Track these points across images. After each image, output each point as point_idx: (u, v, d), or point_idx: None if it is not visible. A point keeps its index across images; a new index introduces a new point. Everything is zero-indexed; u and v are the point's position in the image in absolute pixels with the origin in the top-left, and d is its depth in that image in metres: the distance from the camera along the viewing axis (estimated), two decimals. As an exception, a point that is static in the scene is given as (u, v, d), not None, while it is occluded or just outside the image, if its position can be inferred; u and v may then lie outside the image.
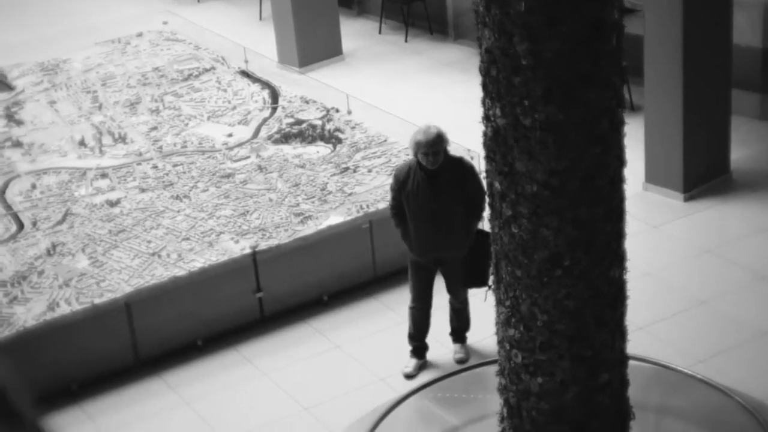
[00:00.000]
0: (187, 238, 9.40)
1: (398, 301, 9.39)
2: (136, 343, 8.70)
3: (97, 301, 8.60)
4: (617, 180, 5.85)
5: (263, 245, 9.20)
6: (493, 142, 5.78)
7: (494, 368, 6.52)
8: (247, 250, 9.13)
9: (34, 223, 9.87)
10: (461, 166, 7.95)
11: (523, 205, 5.71)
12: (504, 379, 6.14)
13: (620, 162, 5.83)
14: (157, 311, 8.76)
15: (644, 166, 10.91)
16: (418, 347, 8.42)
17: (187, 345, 8.90)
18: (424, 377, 8.20)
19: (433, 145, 7.73)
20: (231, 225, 9.57)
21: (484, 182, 6.06)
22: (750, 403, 6.95)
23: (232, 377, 8.62)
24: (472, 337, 8.62)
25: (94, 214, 9.96)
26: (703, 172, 10.84)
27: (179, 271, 8.91)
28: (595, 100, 5.55)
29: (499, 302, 6.04)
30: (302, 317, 9.28)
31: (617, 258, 5.92)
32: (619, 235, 5.91)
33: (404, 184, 7.89)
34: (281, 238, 9.30)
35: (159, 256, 9.15)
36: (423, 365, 8.37)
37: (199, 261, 9.04)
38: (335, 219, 9.55)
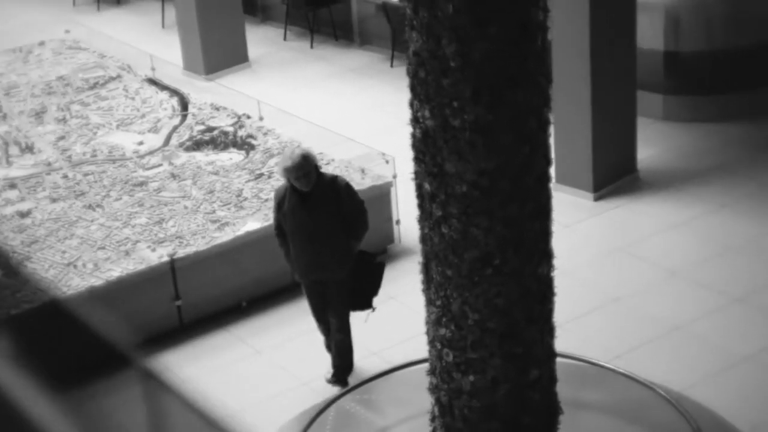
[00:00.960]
0: (103, 248, 9.29)
1: (318, 306, 9.40)
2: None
3: (14, 311, 8.44)
4: (544, 179, 5.95)
5: (181, 253, 9.14)
6: (422, 144, 5.83)
7: (420, 368, 6.58)
8: (165, 258, 9.06)
9: (-57, 235, 9.66)
10: (334, 186, 7.83)
11: (453, 206, 5.77)
12: (435, 378, 6.19)
13: (547, 161, 5.94)
14: (74, 321, 8.63)
15: (554, 166, 11.05)
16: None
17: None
18: (350, 381, 8.22)
19: (301, 168, 7.62)
20: (147, 233, 9.48)
21: (412, 185, 6.09)
22: (671, 395, 7.11)
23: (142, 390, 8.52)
24: (382, 344, 8.67)
25: (5, 226, 9.78)
26: (611, 172, 11.06)
27: (96, 281, 8.80)
28: (523, 101, 5.65)
29: (430, 302, 6.09)
30: (222, 324, 9.24)
31: (545, 256, 6.02)
32: (546, 233, 6.02)
33: (281, 206, 7.86)
34: (199, 245, 9.25)
35: (75, 266, 9.03)
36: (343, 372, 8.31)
37: (116, 270, 8.94)
38: (252, 225, 9.53)
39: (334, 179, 7.89)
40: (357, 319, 8.21)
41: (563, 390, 6.56)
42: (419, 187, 5.96)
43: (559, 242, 10.13)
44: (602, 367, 7.49)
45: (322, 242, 7.76)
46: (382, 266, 8.17)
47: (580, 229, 10.51)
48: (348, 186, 7.90)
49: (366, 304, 8.04)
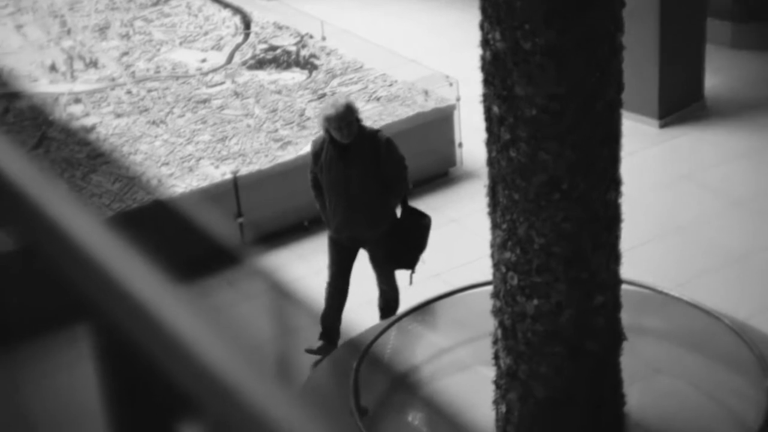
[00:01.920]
0: (167, 164, 9.35)
1: (378, 227, 9.44)
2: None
3: (124, 207, 8.56)
4: (615, 104, 5.88)
5: (244, 170, 9.18)
6: (492, 66, 5.78)
7: (482, 291, 6.60)
8: (228, 176, 9.10)
9: (10, 148, 9.75)
10: (375, 141, 7.42)
11: (521, 129, 5.73)
12: (499, 301, 6.20)
13: (618, 87, 5.87)
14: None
15: (619, 93, 10.95)
16: (328, 330, 7.76)
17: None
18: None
19: (344, 117, 7.23)
20: (210, 150, 9.52)
21: (476, 108, 6.04)
22: (735, 324, 7.08)
23: (218, 301, 8.62)
24: (443, 266, 8.68)
25: (71, 139, 9.86)
26: (677, 100, 10.92)
27: (160, 197, 8.87)
28: (595, 25, 5.56)
29: (495, 226, 6.08)
30: (283, 242, 9.29)
31: (614, 181, 5.98)
32: (615, 158, 5.97)
33: (318, 157, 7.49)
34: (261, 163, 9.28)
35: (139, 181, 9.10)
36: (328, 349, 7.69)
37: (180, 186, 9.01)
38: (315, 144, 9.52)
39: (375, 133, 7.53)
40: (401, 281, 7.87)
41: (626, 316, 6.55)
42: (488, 110, 5.91)
43: (622, 169, 10.13)
44: (666, 294, 7.45)
45: (357, 198, 7.38)
46: (429, 226, 7.73)
47: (645, 156, 10.41)
48: (389, 141, 7.48)
49: (410, 263, 7.68)
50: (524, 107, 5.69)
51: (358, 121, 7.37)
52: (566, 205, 5.79)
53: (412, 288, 8.41)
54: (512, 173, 5.85)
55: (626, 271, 8.05)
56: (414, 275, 7.68)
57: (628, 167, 10.06)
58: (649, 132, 10.75)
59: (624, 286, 6.62)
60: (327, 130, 7.34)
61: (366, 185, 7.37)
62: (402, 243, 7.60)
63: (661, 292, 7.46)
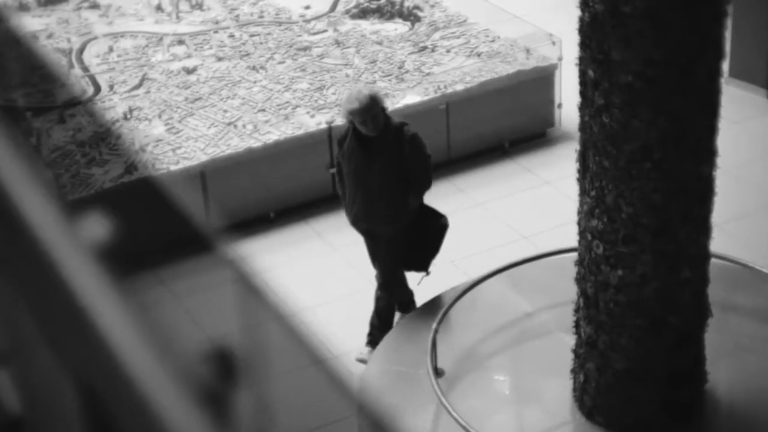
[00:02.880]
0: (263, 110, 9.37)
1: (471, 184, 9.35)
2: (210, 212, 8.73)
3: (173, 167, 8.63)
4: (715, 73, 5.71)
5: (339, 121, 9.14)
6: (590, 29, 5.64)
7: (569, 257, 6.49)
8: (323, 125, 9.08)
9: (111, 87, 9.87)
10: (400, 135, 7.05)
11: (616, 95, 5.59)
12: (583, 269, 6.09)
13: (719, 54, 5.69)
14: (231, 181, 8.78)
15: (728, 60, 10.65)
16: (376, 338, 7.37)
17: (259, 216, 8.93)
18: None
19: (369, 110, 6.89)
20: (307, 99, 9.51)
21: (577, 70, 5.90)
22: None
23: (303, 251, 8.65)
24: (534, 229, 8.57)
25: (171, 81, 9.93)
26: (789, 69, 10.57)
27: (255, 143, 8.90)
28: (698, -10, 5.38)
29: (584, 192, 5.96)
30: (374, 195, 9.25)
31: (708, 153, 5.81)
32: (712, 129, 5.80)
33: (342, 145, 7.23)
34: (357, 114, 9.22)
35: (235, 126, 9.13)
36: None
37: (275, 133, 9.02)
38: (412, 98, 9.45)
39: (401, 127, 7.09)
40: (411, 282, 7.55)
41: (715, 292, 6.40)
42: (582, 74, 5.78)
43: (725, 139, 9.82)
44: (759, 271, 7.25)
45: (376, 192, 7.04)
46: (445, 228, 7.36)
47: (750, 126, 10.12)
48: (415, 137, 7.10)
49: (423, 265, 7.33)
50: (619, 72, 5.55)
51: (383, 111, 7.07)
52: (657, 175, 5.65)
53: (501, 251, 8.33)
54: (603, 139, 5.72)
55: (721, 245, 7.87)
56: (425, 277, 7.37)
57: (732, 137, 9.84)
58: (756, 101, 10.44)
59: (715, 261, 6.46)
60: (351, 123, 7.07)
61: (387, 179, 7.03)
62: (418, 243, 7.27)
63: (754, 269, 7.26)
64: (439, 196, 9.20)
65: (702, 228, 5.93)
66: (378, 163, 7.00)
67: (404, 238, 7.21)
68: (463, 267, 8.22)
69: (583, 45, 5.72)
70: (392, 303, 7.51)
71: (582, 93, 5.82)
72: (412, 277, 7.52)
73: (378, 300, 7.47)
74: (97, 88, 9.84)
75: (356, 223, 7.31)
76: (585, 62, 5.74)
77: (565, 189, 8.83)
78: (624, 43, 5.48)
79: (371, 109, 6.90)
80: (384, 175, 7.01)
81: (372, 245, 7.37)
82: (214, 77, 9.97)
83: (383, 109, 7.08)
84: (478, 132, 9.66)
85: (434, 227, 7.30)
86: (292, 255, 8.60)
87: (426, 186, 7.20)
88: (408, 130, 7.08)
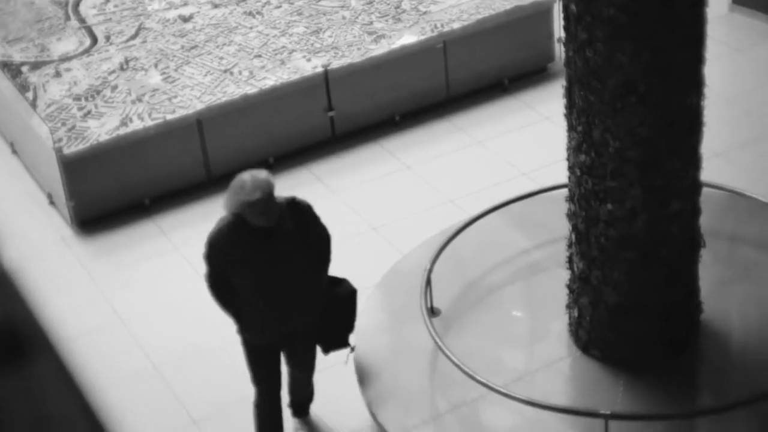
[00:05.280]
0: (259, 56, 9.33)
1: (470, 123, 9.32)
2: (208, 160, 8.75)
3: (170, 117, 8.63)
4: (699, 4, 5.63)
5: (335, 64, 9.11)
6: (571, -38, 5.58)
7: (564, 192, 6.47)
8: (320, 69, 9.05)
9: (108, 38, 9.85)
10: (297, 211, 5.94)
11: (599, 29, 5.55)
12: (573, 205, 6.08)
13: (703, -16, 5.61)
14: (228, 128, 8.78)
15: (731, -13, 10.54)
16: None
17: (258, 162, 8.90)
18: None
19: (269, 201, 5.66)
20: (303, 43, 9.47)
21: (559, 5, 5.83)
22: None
23: (303, 195, 8.54)
24: (532, 165, 8.53)
25: (167, 30, 9.90)
26: (791, -6, 10.45)
27: (251, 89, 8.88)
28: None
29: (571, 128, 5.94)
30: (373, 137, 9.25)
31: (695, 84, 5.76)
32: (698, 60, 5.74)
33: (229, 253, 5.76)
34: (354, 57, 9.19)
35: (231, 74, 9.11)
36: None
37: (271, 79, 8.99)
38: (409, 38, 9.40)
39: (294, 202, 5.97)
40: (337, 361, 6.55)
41: (710, 221, 6.39)
42: (565, 8, 5.74)
43: (727, 67, 9.82)
44: (755, 199, 7.22)
45: (291, 286, 5.85)
46: (354, 292, 6.32)
47: (753, 54, 10.02)
48: (310, 207, 6.03)
49: (342, 342, 6.29)
50: (602, 6, 5.50)
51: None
52: (642, 108, 5.62)
53: (501, 189, 8.31)
54: (588, 74, 5.68)
55: (720, 174, 7.85)
56: (351, 353, 6.38)
57: (734, 65, 9.78)
58: (761, 28, 10.33)
59: (709, 190, 6.44)
60: (238, 215, 5.71)
61: (300, 270, 5.87)
62: (333, 320, 6.20)
63: (749, 197, 7.22)
64: (438, 136, 9.21)
65: (691, 159, 5.90)
66: (284, 252, 5.80)
67: (322, 324, 6.15)
68: (463, 205, 8.22)
69: (565, -21, 5.67)
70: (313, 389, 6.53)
71: (566, 28, 5.78)
72: (337, 361, 6.50)
73: (307, 395, 6.53)
74: (94, 40, 9.81)
75: (275, 334, 5.98)
76: (567, -4, 5.68)
77: (563, 123, 8.78)
78: (605, -24, 5.42)
79: (270, 198, 5.65)
80: (295, 263, 5.84)
81: (274, 355, 6.12)
82: (210, 24, 9.93)
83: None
84: (477, 70, 9.61)
85: (342, 295, 6.25)
86: (293, 200, 8.60)
87: (330, 258, 6.11)
88: (302, 201, 6.02)
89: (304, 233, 5.90)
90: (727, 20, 10.46)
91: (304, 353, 6.22)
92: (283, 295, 5.82)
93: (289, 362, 6.23)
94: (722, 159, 8.41)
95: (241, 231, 5.71)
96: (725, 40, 10.14)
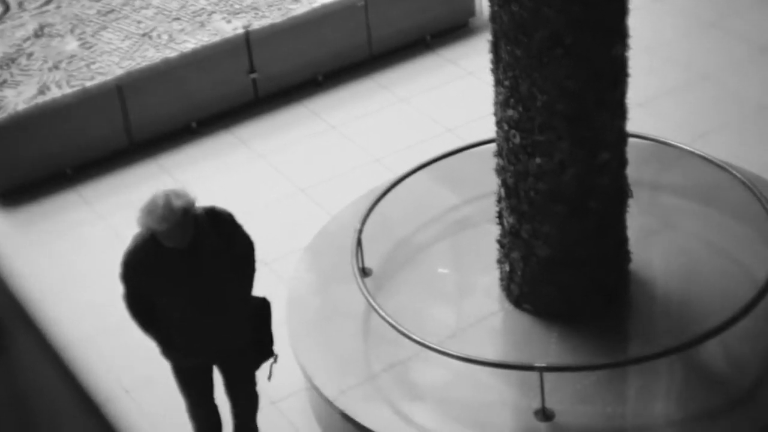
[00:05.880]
0: (178, 18, 9.18)
1: (394, 81, 9.27)
2: (130, 127, 8.60)
3: (89, 83, 8.46)
4: (622, -46, 5.63)
5: (256, 25, 8.99)
6: None
7: (492, 147, 6.45)
8: (240, 30, 8.93)
9: (20, 4, 9.61)
10: (217, 222, 5.48)
11: (524, -18, 5.51)
12: (502, 160, 6.07)
13: (624, -66, 5.61)
14: (149, 94, 8.63)
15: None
16: None
17: (181, 128, 8.81)
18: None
19: (176, 229, 5.21)
20: (222, 4, 9.32)
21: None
22: (747, 177, 6.91)
23: (228, 159, 8.57)
24: (458, 120, 8.51)
25: (82, -6, 9.69)
26: (707, -58, 10.51)
27: (171, 53, 8.73)
28: None
29: (498, 83, 5.91)
30: (297, 98, 9.17)
31: (619, 36, 5.76)
32: (622, 11, 5.74)
33: (147, 272, 5.38)
34: (274, 17, 9.08)
35: (150, 38, 8.95)
36: None
37: (191, 42, 8.85)
38: (329, -4, 9.30)
39: (214, 213, 5.51)
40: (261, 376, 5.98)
41: (636, 171, 6.42)
42: (489, -37, 5.70)
43: (649, 17, 9.86)
44: (678, 147, 7.28)
45: (221, 305, 5.50)
46: (269, 304, 5.85)
47: (673, 2, 10.07)
48: (232, 216, 5.57)
49: (268, 353, 5.89)
50: (526, -41, 5.46)
51: (194, 213, 5.30)
52: (569, 61, 5.60)
53: (426, 146, 8.28)
54: (514, 28, 5.65)
55: (644, 123, 7.90)
56: (274, 364, 5.89)
57: (652, 14, 9.82)
58: (676, -23, 10.39)
59: (635, 140, 6.47)
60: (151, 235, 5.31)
61: (226, 285, 5.51)
62: (263, 331, 5.85)
63: (673, 146, 7.28)
64: (362, 94, 9.15)
65: (617, 111, 5.92)
66: (206, 266, 5.40)
67: (251, 338, 5.79)
68: (389, 164, 8.19)
69: (488, -68, 5.63)
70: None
71: (492, -18, 5.73)
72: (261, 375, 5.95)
73: (251, 417, 6.01)
74: (6, 7, 9.58)
75: (201, 353, 5.65)
76: (491, -50, 5.65)
77: (488, 78, 8.72)
78: (527, -72, 5.39)
79: (183, 222, 5.20)
80: (222, 280, 5.48)
81: (206, 375, 5.80)
82: (126, -13, 9.74)
83: (193, 210, 5.28)
84: (399, 27, 9.55)
85: (261, 307, 5.83)
86: (219, 164, 8.52)
87: (254, 266, 5.69)
88: (223, 212, 5.55)
89: (226, 243, 5.49)
90: (645, -30, 10.50)
91: (240, 370, 5.82)
92: (210, 310, 5.46)
93: (228, 387, 5.84)
94: (644, 108, 8.46)
95: (157, 248, 5.31)
96: (643, -11, 10.18)
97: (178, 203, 5.14)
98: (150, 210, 5.14)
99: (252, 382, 5.89)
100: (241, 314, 5.64)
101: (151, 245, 5.30)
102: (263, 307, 5.83)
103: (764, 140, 8.14)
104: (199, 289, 5.42)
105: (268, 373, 5.84)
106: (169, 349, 5.60)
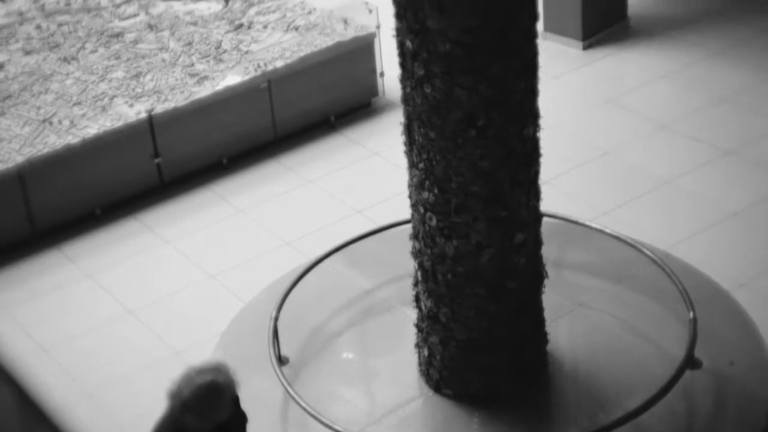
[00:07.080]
0: (79, 103, 9.03)
1: (300, 162, 9.22)
2: (32, 215, 8.38)
3: (-12, 172, 8.24)
4: (530, 34, 5.70)
5: (159, 108, 8.88)
6: (404, -1, 5.55)
7: (405, 228, 6.43)
8: (143, 114, 8.81)
9: None
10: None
11: (435, 64, 5.53)
12: (418, 242, 6.04)
13: (533, 16, 5.68)
14: (52, 181, 8.43)
15: (542, 14, 10.75)
16: None
17: (85, 215, 8.62)
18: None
19: (215, 408, 4.75)
20: (124, 88, 9.20)
21: (395, 41, 5.76)
22: (657, 255, 6.99)
23: (134, 246, 8.39)
24: (366, 202, 8.49)
25: (-22, 80, 9.49)
26: (600, 19, 10.75)
27: (73, 139, 8.57)
28: (507, -47, 5.35)
29: (412, 165, 5.90)
30: (203, 182, 9.05)
31: (532, 116, 5.80)
32: (533, 92, 5.79)
33: None
34: (177, 100, 8.98)
35: (50, 123, 8.77)
36: None
37: (93, 127, 8.70)
38: (233, 79, 9.24)
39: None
40: None
41: (549, 251, 6.44)
42: (401, 45, 5.70)
43: (546, 94, 9.89)
44: (588, 226, 7.34)
45: None
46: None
47: (569, 80, 10.25)
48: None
49: None
50: (437, 41, 5.48)
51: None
52: (483, 142, 5.62)
53: (336, 228, 8.23)
54: (428, 110, 5.66)
55: (550, 199, 7.95)
56: None
57: (552, 92, 9.96)
58: (572, 54, 10.59)
59: (546, 220, 6.50)
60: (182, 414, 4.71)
61: None
62: None
63: (582, 224, 7.34)
64: (269, 177, 9.08)
65: (531, 190, 5.94)
66: None
67: None
68: (299, 247, 8.10)
69: (399, 16, 5.64)
70: None
71: (402, 64, 5.73)
72: None
73: None
74: None
75: None
76: (402, 33, 5.65)
77: (394, 158, 8.79)
78: (438, 11, 5.41)
79: (218, 404, 4.72)
80: None
81: None
82: (23, 72, 9.57)
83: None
84: (303, 108, 9.53)
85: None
86: (124, 251, 8.33)
87: None
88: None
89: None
90: (540, 48, 10.63)
91: None
92: None
93: None
94: (549, 185, 8.54)
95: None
96: (541, 67, 10.30)
97: (208, 378, 4.63)
98: (186, 385, 4.56)
99: None
100: None
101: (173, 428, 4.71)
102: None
103: (666, 216, 8.25)
104: None
105: None
106: None
